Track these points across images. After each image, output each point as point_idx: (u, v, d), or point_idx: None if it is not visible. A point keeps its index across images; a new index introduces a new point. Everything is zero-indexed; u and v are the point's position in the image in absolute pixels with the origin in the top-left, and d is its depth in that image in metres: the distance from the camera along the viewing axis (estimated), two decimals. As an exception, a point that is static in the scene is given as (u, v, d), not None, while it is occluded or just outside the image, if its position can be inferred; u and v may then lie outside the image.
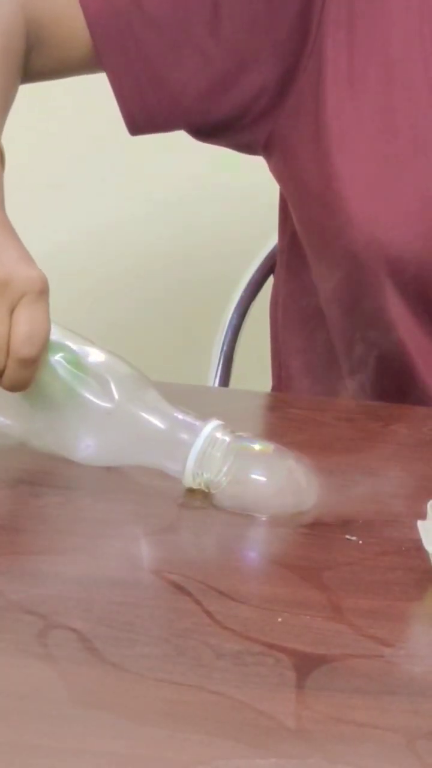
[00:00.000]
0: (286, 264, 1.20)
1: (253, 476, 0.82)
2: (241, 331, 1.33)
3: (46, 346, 0.80)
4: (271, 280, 1.36)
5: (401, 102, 1.05)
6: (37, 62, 1.05)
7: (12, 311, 0.79)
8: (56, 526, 0.80)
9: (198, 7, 1.05)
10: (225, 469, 0.81)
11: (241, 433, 0.83)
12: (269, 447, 0.83)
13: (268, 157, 1.12)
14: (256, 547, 0.80)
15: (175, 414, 0.82)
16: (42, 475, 0.86)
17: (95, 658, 0.64)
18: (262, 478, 0.83)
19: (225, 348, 1.32)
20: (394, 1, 1.05)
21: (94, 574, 0.75)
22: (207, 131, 1.12)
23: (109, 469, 0.85)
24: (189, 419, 0.82)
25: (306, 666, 0.64)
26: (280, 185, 1.14)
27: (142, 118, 1.09)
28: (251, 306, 1.35)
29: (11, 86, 1.00)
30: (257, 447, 0.83)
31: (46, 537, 0.78)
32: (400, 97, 1.05)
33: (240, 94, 1.08)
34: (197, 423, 0.82)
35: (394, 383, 1.12)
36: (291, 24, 1.05)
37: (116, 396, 0.82)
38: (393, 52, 1.05)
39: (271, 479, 0.82)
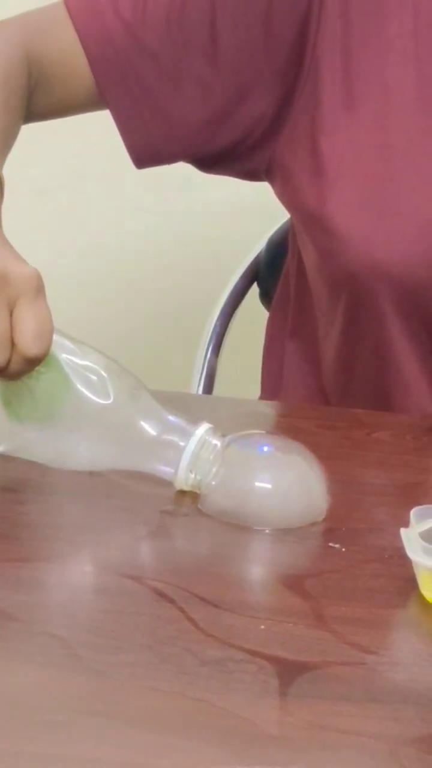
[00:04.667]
0: (295, 285, 1.20)
1: (248, 485, 0.81)
2: (224, 339, 1.33)
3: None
4: (254, 288, 1.36)
5: (396, 124, 1.05)
6: (41, 101, 1.05)
7: (9, 308, 0.78)
8: (39, 533, 0.80)
9: (196, 39, 1.06)
10: (214, 470, 0.81)
11: (248, 432, 0.83)
12: (277, 447, 0.82)
13: (271, 182, 1.13)
14: (239, 555, 0.80)
15: (168, 416, 0.82)
16: (25, 482, 0.85)
17: (79, 665, 0.63)
18: (264, 485, 0.81)
19: (208, 355, 1.32)
20: (390, 24, 1.05)
21: (78, 581, 0.75)
22: (210, 162, 1.12)
23: (92, 475, 0.85)
24: (181, 422, 0.82)
25: (289, 673, 0.64)
26: (286, 209, 1.15)
27: (146, 152, 1.10)
28: (234, 314, 1.35)
29: (12, 125, 1.00)
30: (264, 449, 0.83)
31: (29, 544, 0.78)
32: (395, 119, 1.05)
33: (240, 122, 1.08)
34: (189, 426, 0.82)
35: (384, 400, 1.12)
36: (288, 50, 1.06)
37: (112, 393, 0.82)
38: (388, 74, 1.05)
39: (273, 488, 0.81)
